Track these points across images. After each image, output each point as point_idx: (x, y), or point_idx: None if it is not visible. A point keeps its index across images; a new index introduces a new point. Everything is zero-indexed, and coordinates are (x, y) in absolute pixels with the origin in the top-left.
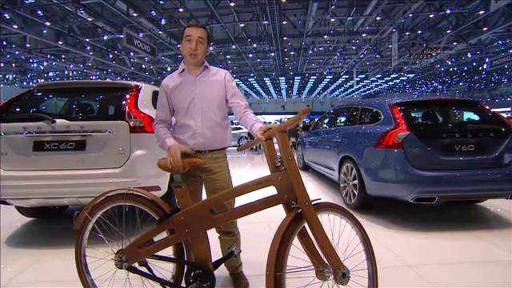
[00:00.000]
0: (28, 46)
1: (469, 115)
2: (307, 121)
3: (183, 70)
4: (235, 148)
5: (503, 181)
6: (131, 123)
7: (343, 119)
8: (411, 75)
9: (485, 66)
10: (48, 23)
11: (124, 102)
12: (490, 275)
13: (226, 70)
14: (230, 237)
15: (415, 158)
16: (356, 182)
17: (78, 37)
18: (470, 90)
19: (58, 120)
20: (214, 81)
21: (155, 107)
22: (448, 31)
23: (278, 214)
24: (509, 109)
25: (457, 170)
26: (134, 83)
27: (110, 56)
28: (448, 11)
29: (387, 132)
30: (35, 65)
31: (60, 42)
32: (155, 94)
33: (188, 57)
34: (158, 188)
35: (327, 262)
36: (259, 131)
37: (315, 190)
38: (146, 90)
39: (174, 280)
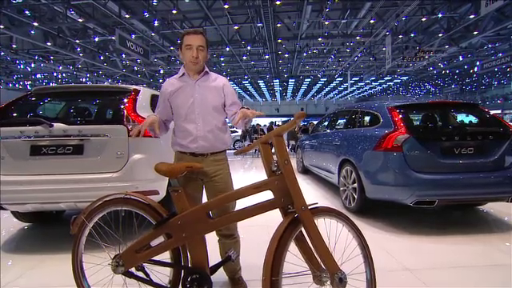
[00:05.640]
0: (14, 46)
1: (462, 117)
2: (306, 124)
3: (183, 74)
4: (231, 151)
5: (503, 184)
6: (130, 127)
7: (342, 122)
8: (405, 77)
9: (476, 69)
10: (36, 24)
11: (122, 106)
12: (491, 279)
13: (225, 78)
14: (231, 240)
15: (414, 160)
16: (356, 185)
17: (68, 38)
18: (461, 92)
19: (55, 124)
20: (214, 87)
21: (154, 111)
22: (440, 34)
23: (278, 217)
24: (499, 111)
25: (456, 172)
26: (132, 87)
27: (101, 58)
28: (440, 15)
29: (386, 135)
30: (22, 66)
31: (49, 43)
32: (154, 98)
33: (189, 64)
34: (156, 192)
35: (324, 266)
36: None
37: (314, 194)
38: (145, 93)
39: (171, 285)
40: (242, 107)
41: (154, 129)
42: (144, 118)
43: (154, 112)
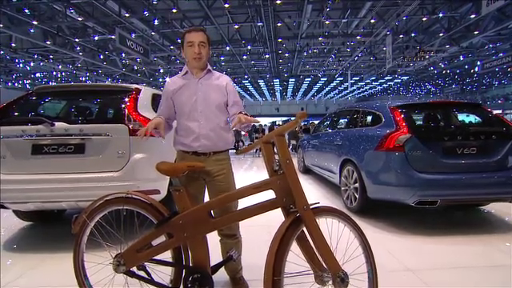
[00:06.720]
0: (14, 45)
1: (462, 117)
2: (307, 124)
3: (186, 72)
4: (232, 151)
5: (506, 184)
6: (131, 126)
7: (344, 122)
8: (405, 77)
9: (476, 69)
10: (35, 22)
11: (124, 105)
12: (491, 279)
13: (228, 77)
14: (232, 240)
15: (416, 160)
16: (357, 185)
17: (68, 37)
18: (462, 92)
19: (57, 123)
20: (216, 85)
21: (155, 110)
22: (441, 34)
23: (279, 217)
24: (500, 111)
25: (459, 172)
26: (134, 86)
27: (101, 57)
28: (440, 15)
29: (388, 135)
30: (21, 65)
31: (48, 42)
32: (155, 97)
33: (192, 60)
34: (157, 191)
35: (326, 266)
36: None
37: (316, 193)
38: (146, 92)
39: (173, 284)
40: (240, 112)
41: (159, 130)
42: (145, 117)
43: (155, 111)
